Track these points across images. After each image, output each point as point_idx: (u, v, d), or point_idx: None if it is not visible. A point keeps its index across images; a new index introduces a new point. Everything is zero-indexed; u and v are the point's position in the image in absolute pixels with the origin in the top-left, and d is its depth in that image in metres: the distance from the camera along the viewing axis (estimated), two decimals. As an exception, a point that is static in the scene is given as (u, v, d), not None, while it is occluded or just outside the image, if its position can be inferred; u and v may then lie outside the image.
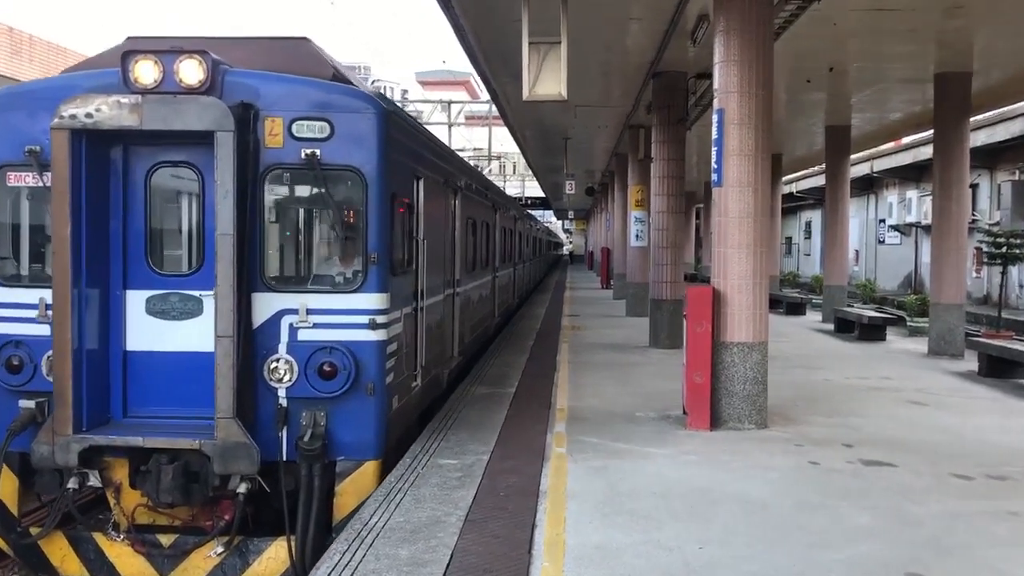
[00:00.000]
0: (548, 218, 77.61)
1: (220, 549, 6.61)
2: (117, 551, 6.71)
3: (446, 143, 25.63)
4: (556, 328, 18.94)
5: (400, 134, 7.49)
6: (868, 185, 35.47)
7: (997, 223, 24.58)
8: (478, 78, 16.91)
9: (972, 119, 16.05)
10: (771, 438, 8.59)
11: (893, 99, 17.85)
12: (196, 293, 6.81)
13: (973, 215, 25.42)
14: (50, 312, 6.45)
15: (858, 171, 31.09)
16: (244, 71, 6.78)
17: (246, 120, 6.51)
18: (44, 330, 6.58)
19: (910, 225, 32.06)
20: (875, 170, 32.68)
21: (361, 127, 6.74)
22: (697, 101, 15.80)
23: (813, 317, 23.10)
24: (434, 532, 5.68)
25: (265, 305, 6.70)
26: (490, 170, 50.80)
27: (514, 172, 61.88)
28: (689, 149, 17.40)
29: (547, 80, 9.02)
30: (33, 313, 6.72)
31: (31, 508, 7.42)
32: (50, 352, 6.47)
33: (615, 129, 22.93)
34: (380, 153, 6.80)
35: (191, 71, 6.39)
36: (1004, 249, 19.05)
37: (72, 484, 6.58)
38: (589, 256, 63.99)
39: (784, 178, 32.86)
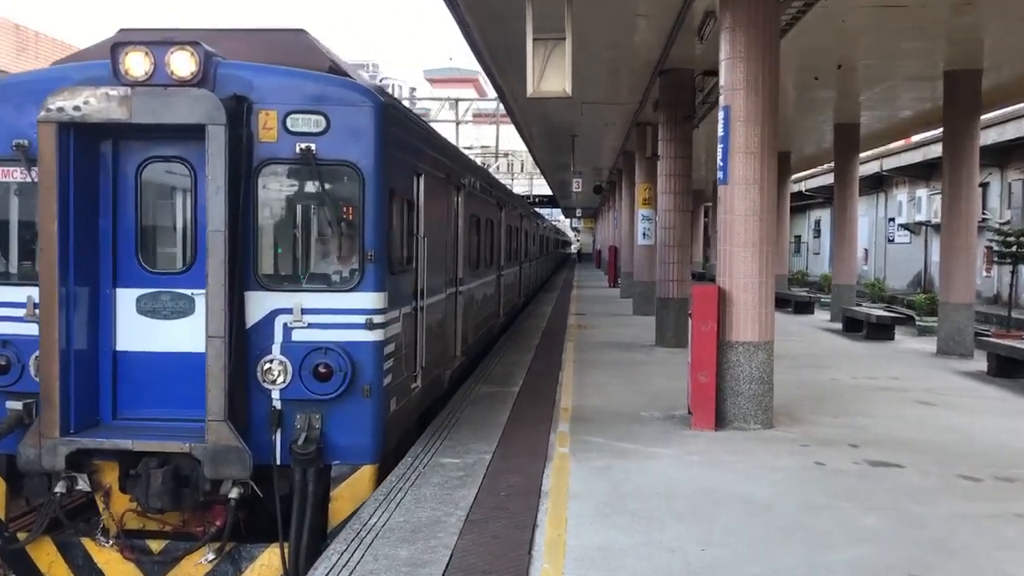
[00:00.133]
0: (556, 216, 77.51)
1: (211, 555, 6.43)
2: (106, 557, 6.52)
3: (453, 141, 25.66)
4: (562, 327, 18.86)
5: (399, 128, 7.29)
6: (878, 184, 35.32)
7: (1007, 222, 24.46)
8: (485, 76, 16.87)
9: (982, 117, 15.88)
10: (776, 438, 8.49)
11: (902, 97, 17.69)
12: (188, 292, 6.62)
13: (983, 214, 25.27)
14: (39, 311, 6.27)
15: (867, 169, 30.95)
16: (237, 63, 6.59)
17: (239, 113, 6.31)
18: (32, 329, 6.36)
19: (920, 224, 31.93)
20: (885, 168, 32.54)
21: (358, 121, 6.53)
22: (704, 98, 15.72)
23: (821, 316, 23.01)
24: (434, 532, 5.61)
25: (258, 304, 6.50)
26: (497, 167, 50.68)
27: (522, 170, 61.75)
28: (697, 147, 17.30)
29: (552, 77, 8.97)
30: (21, 312, 6.52)
31: (19, 513, 7.27)
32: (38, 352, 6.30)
33: (622, 126, 22.83)
34: (377, 148, 6.60)
35: (182, 63, 6.23)
36: (1014, 248, 18.97)
37: (60, 488, 6.39)
38: (597, 254, 63.91)
39: (793, 176, 32.73)
